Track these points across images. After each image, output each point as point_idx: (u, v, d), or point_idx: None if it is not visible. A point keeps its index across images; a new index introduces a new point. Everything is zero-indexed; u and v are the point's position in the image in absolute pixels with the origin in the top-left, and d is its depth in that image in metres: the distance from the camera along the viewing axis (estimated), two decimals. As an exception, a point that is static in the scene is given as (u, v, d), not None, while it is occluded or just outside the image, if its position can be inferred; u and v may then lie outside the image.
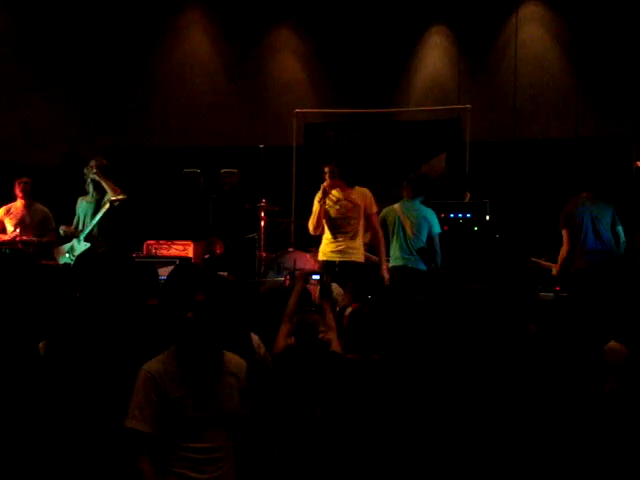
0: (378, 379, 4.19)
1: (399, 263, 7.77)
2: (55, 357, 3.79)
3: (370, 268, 7.83)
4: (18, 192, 8.29)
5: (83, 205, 8.15)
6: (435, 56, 13.23)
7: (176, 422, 3.25)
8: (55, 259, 8.24)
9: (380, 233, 7.56)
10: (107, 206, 7.83)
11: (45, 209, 8.48)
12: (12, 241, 8.04)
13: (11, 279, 4.37)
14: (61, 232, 8.09)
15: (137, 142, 13.33)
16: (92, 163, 8.07)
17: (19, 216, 8.28)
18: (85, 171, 8.06)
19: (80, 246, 7.80)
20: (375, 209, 7.52)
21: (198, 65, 13.77)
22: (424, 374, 4.17)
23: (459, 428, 3.99)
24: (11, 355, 3.80)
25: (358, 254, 7.41)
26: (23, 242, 8.04)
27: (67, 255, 7.95)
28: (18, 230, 8.16)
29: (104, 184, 8.02)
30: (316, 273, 5.53)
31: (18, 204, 8.33)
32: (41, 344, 3.88)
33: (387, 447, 4.02)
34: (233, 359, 3.50)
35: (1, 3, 11.66)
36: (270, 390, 4.20)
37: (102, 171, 7.98)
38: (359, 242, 7.42)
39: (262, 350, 4.56)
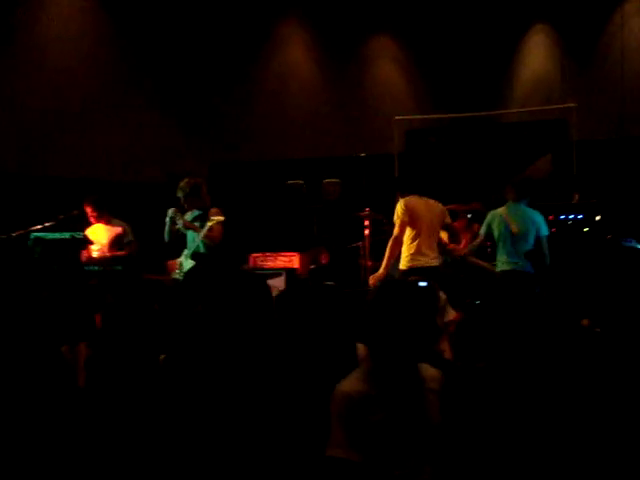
0: (485, 387, 4.11)
1: (507, 267, 7.62)
2: (175, 370, 3.84)
3: (479, 273, 7.72)
4: (88, 211, 8.40)
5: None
6: (538, 55, 13.01)
7: (377, 448, 2.91)
8: (168, 273, 8.37)
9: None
10: (208, 225, 7.84)
11: (122, 224, 8.60)
12: (87, 262, 8.16)
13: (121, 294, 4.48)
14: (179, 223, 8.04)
15: (240, 156, 13.52)
16: (182, 185, 7.98)
17: (98, 233, 8.45)
18: (178, 194, 8.04)
19: (187, 263, 7.90)
20: None
21: (297, 76, 13.88)
22: (532, 382, 4.07)
23: (570, 438, 3.87)
24: (129, 367, 3.87)
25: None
26: (98, 260, 8.13)
27: (177, 271, 8.07)
28: (97, 249, 8.28)
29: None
30: (423, 280, 5.47)
31: (95, 225, 8.47)
32: (161, 357, 3.94)
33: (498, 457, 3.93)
34: (429, 372, 3.15)
35: (109, 26, 12.01)
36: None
37: (193, 193, 7.92)
38: None
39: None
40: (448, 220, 7.60)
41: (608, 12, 12.41)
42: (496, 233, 7.65)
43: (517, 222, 7.56)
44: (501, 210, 7.73)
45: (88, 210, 8.31)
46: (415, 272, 7.09)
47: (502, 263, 7.64)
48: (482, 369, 4.19)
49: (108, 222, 8.40)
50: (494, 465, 3.73)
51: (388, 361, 2.97)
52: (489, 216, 7.82)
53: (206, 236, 7.61)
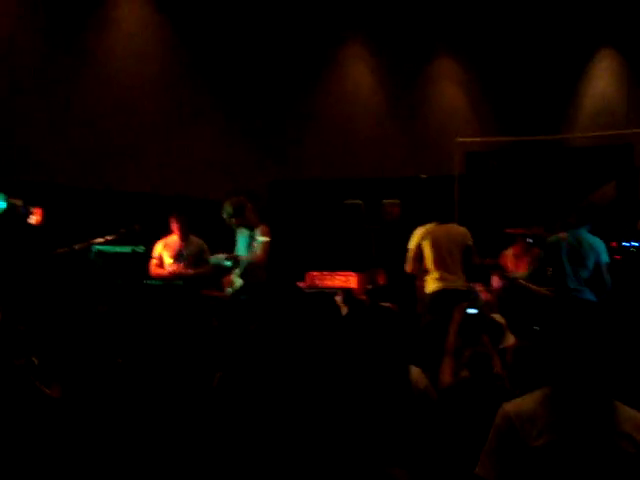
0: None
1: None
2: (229, 388, 3.84)
3: (538, 300, 7.61)
4: (175, 227, 8.46)
5: (239, 239, 8.24)
6: (604, 80, 12.87)
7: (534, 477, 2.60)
8: (223, 289, 8.42)
9: None
10: (254, 246, 7.88)
11: (200, 241, 8.66)
12: (170, 276, 8.23)
13: (180, 310, 4.51)
14: (222, 258, 8.15)
15: (300, 174, 13.58)
16: (226, 206, 8.03)
17: (176, 249, 8.47)
18: (223, 215, 8.10)
19: (238, 280, 7.95)
20: None
21: (359, 96, 13.92)
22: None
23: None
24: (184, 384, 3.89)
25: None
26: (181, 276, 8.18)
27: (229, 288, 8.12)
28: (175, 265, 8.34)
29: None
30: (473, 307, 5.41)
31: (175, 237, 8.51)
32: (217, 375, 3.95)
33: None
34: (630, 416, 2.68)
35: (176, 43, 12.19)
36: (435, 426, 4.09)
37: (237, 213, 7.97)
38: None
39: (422, 384, 4.41)
40: (469, 243, 7.76)
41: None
42: (556, 259, 7.54)
43: (577, 248, 7.44)
44: (562, 235, 7.63)
45: (176, 226, 8.39)
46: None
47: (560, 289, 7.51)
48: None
49: (187, 239, 8.47)
50: None
51: (580, 394, 2.66)
52: (549, 240, 7.72)
53: (252, 257, 7.70)
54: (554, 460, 2.55)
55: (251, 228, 7.97)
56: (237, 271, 7.86)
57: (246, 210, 7.97)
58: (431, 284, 7.72)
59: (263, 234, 7.89)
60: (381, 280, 9.92)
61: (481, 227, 8.32)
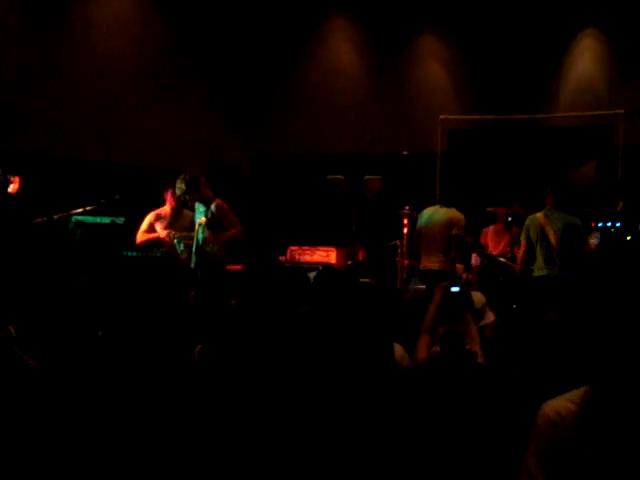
0: (521, 390, 4.05)
1: (543, 273, 7.55)
2: (210, 362, 3.83)
3: (514, 277, 7.67)
4: (170, 199, 8.43)
5: (196, 214, 8.16)
6: (586, 60, 12.86)
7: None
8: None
9: None
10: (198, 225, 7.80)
11: (192, 214, 8.63)
12: (167, 238, 8.19)
13: (159, 282, 4.48)
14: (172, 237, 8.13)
15: (281, 149, 13.54)
16: (180, 185, 7.91)
17: (169, 221, 8.46)
18: (177, 192, 7.99)
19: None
20: None
21: (343, 71, 13.86)
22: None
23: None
24: (165, 357, 3.87)
25: None
26: (178, 237, 8.10)
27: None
28: (167, 231, 8.31)
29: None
30: (456, 285, 5.42)
31: (167, 209, 8.49)
32: (197, 348, 3.94)
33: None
34: None
35: (157, 14, 12.08)
36: (412, 402, 4.11)
37: (192, 188, 7.87)
38: None
39: (406, 362, 4.45)
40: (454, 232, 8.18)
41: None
42: (534, 238, 7.58)
43: (555, 228, 7.48)
44: (539, 215, 7.65)
45: (171, 198, 8.33)
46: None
47: (539, 269, 7.57)
48: (519, 373, 4.14)
49: (180, 212, 8.43)
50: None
51: (620, 394, 2.50)
52: (527, 221, 7.76)
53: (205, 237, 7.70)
54: (596, 462, 2.46)
55: (207, 203, 7.88)
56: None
57: (200, 185, 7.86)
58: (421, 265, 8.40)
59: (219, 207, 7.81)
60: (361, 256, 9.93)
61: (462, 205, 8.34)
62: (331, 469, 3.36)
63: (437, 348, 4.38)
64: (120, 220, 8.24)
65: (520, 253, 7.78)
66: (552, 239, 7.43)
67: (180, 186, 7.85)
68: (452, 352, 4.25)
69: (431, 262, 8.23)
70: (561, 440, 2.48)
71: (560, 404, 2.56)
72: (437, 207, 8.49)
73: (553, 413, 2.54)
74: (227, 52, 13.13)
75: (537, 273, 7.59)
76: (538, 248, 7.55)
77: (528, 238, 7.62)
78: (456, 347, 4.27)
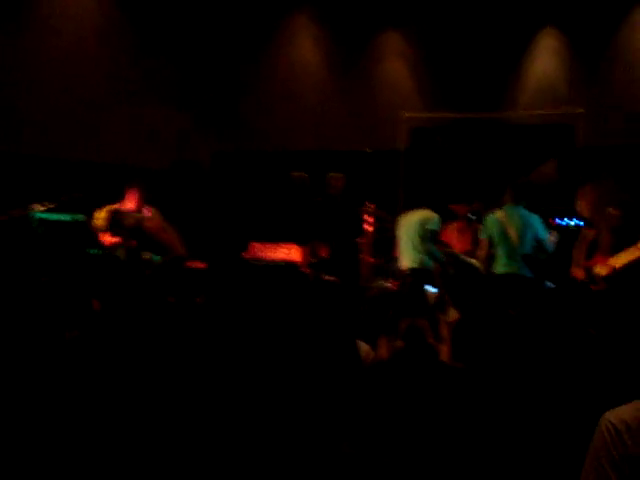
0: (483, 388, 4.09)
1: (503, 270, 7.60)
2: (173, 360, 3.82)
3: (478, 275, 7.72)
4: (131, 197, 8.32)
5: None
6: (546, 58, 12.98)
7: None
8: None
9: None
10: None
11: (154, 210, 8.54)
12: (117, 245, 8.09)
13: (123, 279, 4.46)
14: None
15: (244, 146, 13.50)
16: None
17: (128, 217, 8.34)
18: None
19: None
20: None
21: (306, 69, 13.85)
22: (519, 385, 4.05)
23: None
24: (124, 356, 3.85)
25: None
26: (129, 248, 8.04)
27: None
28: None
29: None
30: (433, 286, 5.48)
31: (127, 206, 8.37)
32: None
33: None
34: None
35: (120, 9, 11.99)
36: (376, 398, 4.13)
37: None
38: None
39: (371, 359, 4.48)
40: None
41: (618, 19, 12.37)
42: (494, 236, 7.63)
43: (514, 225, 7.53)
44: (499, 213, 7.71)
45: (134, 196, 8.25)
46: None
47: (500, 266, 7.62)
48: (482, 370, 4.17)
49: (141, 210, 8.33)
50: (494, 462, 3.71)
51: None
52: (487, 219, 7.81)
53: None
54: None
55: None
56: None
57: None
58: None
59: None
60: (324, 253, 9.92)
61: (425, 202, 8.39)
62: (298, 465, 3.37)
63: (399, 343, 4.41)
64: (80, 217, 8.16)
65: (481, 252, 7.83)
66: (512, 237, 7.49)
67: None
68: (414, 346, 4.29)
69: (409, 260, 8.31)
70: (619, 445, 2.36)
71: (624, 412, 2.41)
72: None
73: (618, 421, 2.39)
74: (191, 49, 13.07)
75: (499, 271, 7.65)
76: (499, 246, 7.61)
77: (488, 236, 7.68)
78: (418, 340, 4.30)
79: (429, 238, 8.22)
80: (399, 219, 8.64)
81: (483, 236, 7.80)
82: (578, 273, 6.63)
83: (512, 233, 7.50)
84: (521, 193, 7.70)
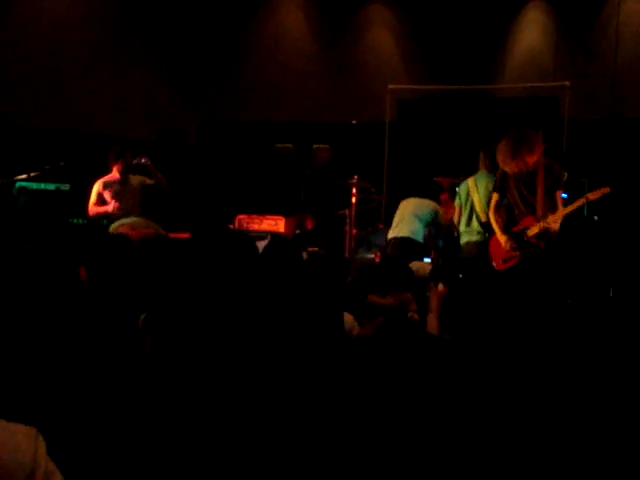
0: (472, 360, 4.11)
1: (464, 239, 7.53)
2: (155, 331, 3.80)
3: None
4: (116, 166, 8.30)
5: None
6: (533, 31, 12.95)
7: None
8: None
9: None
10: None
11: (141, 178, 8.50)
12: (113, 212, 8.09)
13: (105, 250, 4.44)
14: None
15: (230, 116, 13.45)
16: None
17: (117, 187, 8.33)
18: None
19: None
20: None
21: (291, 39, 13.77)
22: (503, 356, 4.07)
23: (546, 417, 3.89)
24: (106, 326, 3.83)
25: None
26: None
27: None
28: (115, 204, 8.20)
29: None
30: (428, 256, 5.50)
31: (114, 176, 8.36)
32: (142, 317, 3.91)
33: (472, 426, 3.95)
34: None
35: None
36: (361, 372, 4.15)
37: None
38: None
39: (355, 331, 4.48)
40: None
41: (606, -9, 12.39)
42: (462, 202, 7.55)
43: (480, 193, 7.40)
44: (470, 179, 7.62)
45: (118, 165, 8.22)
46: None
47: (465, 234, 7.53)
48: (472, 342, 4.19)
49: (127, 179, 8.31)
50: (471, 436, 3.74)
51: None
52: (461, 185, 7.73)
53: None
54: None
55: None
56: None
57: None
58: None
59: None
60: (309, 225, 9.94)
61: (411, 175, 8.39)
62: (278, 439, 3.38)
63: (380, 318, 4.43)
64: (65, 187, 8.12)
65: (455, 218, 7.75)
66: (476, 204, 7.40)
67: None
68: (393, 321, 4.31)
69: (401, 231, 8.20)
70: None
71: None
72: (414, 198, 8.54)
73: None
74: (176, 18, 12.96)
75: (465, 239, 7.56)
76: (463, 213, 7.53)
77: (460, 204, 7.61)
78: (397, 315, 4.33)
79: (434, 230, 8.19)
80: (405, 201, 8.55)
81: (456, 203, 7.75)
82: (502, 238, 6.44)
83: (476, 201, 7.41)
84: (493, 161, 7.57)
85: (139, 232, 7.50)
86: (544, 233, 6.15)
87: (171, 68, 12.97)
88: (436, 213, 8.19)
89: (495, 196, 6.56)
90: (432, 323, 4.42)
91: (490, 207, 6.62)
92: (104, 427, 3.25)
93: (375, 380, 4.16)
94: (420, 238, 8.07)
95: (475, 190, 7.44)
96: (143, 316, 3.94)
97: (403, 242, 7.98)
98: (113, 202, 8.19)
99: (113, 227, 7.50)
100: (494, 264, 6.47)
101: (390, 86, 11.44)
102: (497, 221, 6.48)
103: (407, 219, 8.16)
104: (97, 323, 3.86)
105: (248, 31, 13.79)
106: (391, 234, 8.29)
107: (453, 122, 11.90)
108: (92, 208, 8.23)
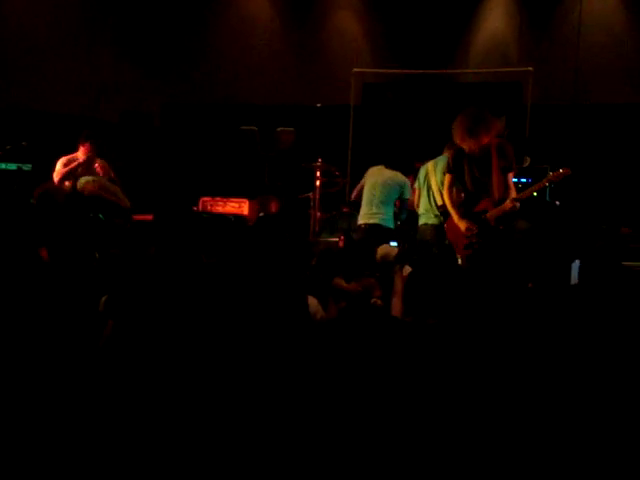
0: (434, 343, 4.14)
1: (421, 221, 7.55)
2: (115, 312, 3.79)
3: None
4: (84, 150, 8.18)
5: None
6: (496, 16, 12.99)
7: None
8: None
9: None
10: None
11: (103, 163, 8.43)
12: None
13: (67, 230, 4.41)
14: None
15: (194, 98, 13.36)
16: None
17: (80, 169, 8.22)
18: None
19: None
20: None
21: (256, 21, 13.69)
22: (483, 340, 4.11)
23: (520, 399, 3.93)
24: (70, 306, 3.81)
25: None
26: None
27: None
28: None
29: None
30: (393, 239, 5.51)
31: (79, 158, 8.25)
32: (103, 299, 3.89)
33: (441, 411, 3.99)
34: None
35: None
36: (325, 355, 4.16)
37: None
38: None
39: (319, 315, 4.48)
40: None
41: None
42: (421, 185, 7.56)
43: (437, 177, 7.42)
44: (430, 162, 7.64)
45: (86, 149, 8.11)
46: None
47: (423, 216, 7.55)
48: (433, 326, 4.22)
49: (92, 164, 8.20)
50: (447, 419, 3.78)
51: None
52: (421, 169, 7.75)
53: None
54: None
55: None
56: None
57: None
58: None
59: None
60: (273, 208, 9.93)
61: (375, 158, 8.38)
62: (243, 422, 3.39)
63: (343, 303, 4.45)
64: (27, 167, 8.03)
65: (415, 200, 7.77)
66: (433, 186, 7.43)
67: None
68: (356, 306, 4.33)
69: (371, 217, 8.08)
70: None
71: None
72: (382, 167, 8.22)
73: None
74: (140, 2, 12.83)
75: (420, 221, 7.58)
76: (423, 195, 7.54)
77: (419, 186, 7.63)
78: (360, 301, 4.35)
79: (402, 205, 8.12)
80: (370, 171, 8.25)
81: (415, 185, 7.79)
82: (461, 224, 6.40)
83: (433, 184, 7.44)
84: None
85: (96, 191, 7.45)
86: (503, 216, 6.16)
87: (135, 50, 12.84)
88: (402, 187, 8.10)
89: (448, 177, 6.51)
90: (396, 306, 4.45)
91: (444, 188, 6.58)
92: (62, 407, 3.25)
93: (337, 362, 4.18)
94: (390, 224, 8.05)
95: (433, 173, 7.47)
96: (104, 298, 3.92)
97: (372, 229, 7.93)
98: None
99: (82, 180, 7.46)
100: (455, 250, 6.47)
101: (355, 69, 11.44)
102: (453, 204, 6.45)
103: (376, 203, 8.04)
104: (57, 304, 3.84)
105: (212, 13, 13.68)
106: (361, 219, 8.14)
107: (417, 106, 11.92)
108: (58, 171, 8.10)
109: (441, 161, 7.45)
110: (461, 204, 6.34)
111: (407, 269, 5.52)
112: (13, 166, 7.94)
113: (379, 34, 13.30)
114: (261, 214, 9.76)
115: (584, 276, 4.40)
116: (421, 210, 7.54)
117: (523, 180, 8.33)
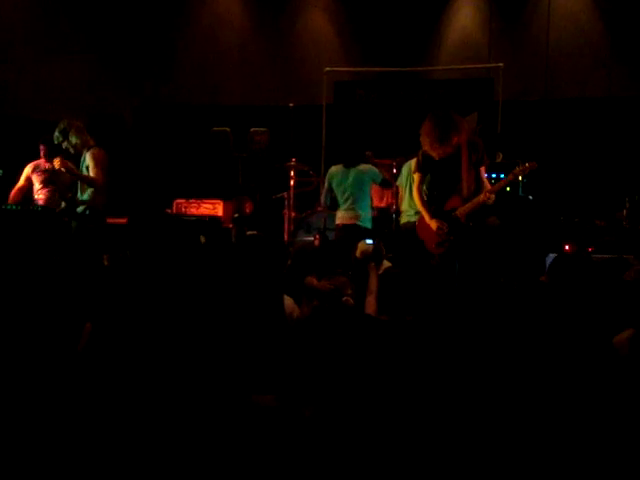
0: (411, 340, 4.15)
1: (403, 219, 7.55)
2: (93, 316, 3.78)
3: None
4: (41, 152, 8.12)
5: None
6: (466, 13, 13.06)
7: None
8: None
9: None
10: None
11: (69, 164, 8.33)
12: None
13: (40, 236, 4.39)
14: None
15: (166, 100, 13.32)
16: (55, 133, 7.67)
17: (47, 174, 8.16)
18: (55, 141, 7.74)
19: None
20: None
21: (228, 21, 13.67)
22: (459, 336, 4.13)
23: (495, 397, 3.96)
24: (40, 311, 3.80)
25: None
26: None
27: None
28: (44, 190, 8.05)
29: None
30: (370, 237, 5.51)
31: (45, 161, 8.17)
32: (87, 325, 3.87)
33: (416, 409, 4.00)
34: None
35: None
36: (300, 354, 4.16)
37: (63, 137, 7.68)
38: None
39: (295, 314, 4.48)
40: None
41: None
42: (404, 183, 7.57)
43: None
44: (412, 160, 7.64)
45: (42, 151, 8.03)
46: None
47: (405, 214, 7.55)
48: (409, 323, 4.23)
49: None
50: (423, 414, 3.79)
51: None
52: (403, 166, 7.76)
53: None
54: None
55: (79, 151, 7.65)
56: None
57: (72, 130, 7.64)
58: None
59: (92, 154, 7.57)
60: (248, 209, 9.92)
61: (348, 156, 8.37)
62: (223, 420, 3.39)
63: (315, 302, 4.46)
64: (-1, 172, 7.98)
65: (399, 199, 7.76)
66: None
67: (56, 134, 7.63)
68: (327, 305, 4.34)
69: (350, 218, 8.10)
70: None
71: None
72: (341, 166, 8.23)
73: None
74: (112, 3, 12.76)
75: (406, 219, 7.57)
76: (405, 192, 7.54)
77: (401, 183, 7.64)
78: (331, 300, 4.36)
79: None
80: (335, 171, 8.27)
81: (397, 182, 7.80)
82: (432, 223, 6.40)
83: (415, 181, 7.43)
84: None
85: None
86: (474, 212, 6.16)
87: (106, 52, 12.77)
88: (370, 176, 8.14)
89: (418, 176, 6.49)
90: (370, 304, 4.46)
91: (414, 188, 6.56)
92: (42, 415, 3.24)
93: (310, 360, 4.19)
94: (368, 224, 8.08)
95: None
96: (88, 326, 3.91)
97: (350, 229, 7.95)
98: (42, 188, 8.03)
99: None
100: (427, 248, 6.46)
101: (326, 68, 11.45)
102: (424, 203, 6.43)
103: (351, 204, 8.03)
104: (35, 310, 3.82)
105: (183, 14, 13.65)
106: (338, 220, 8.15)
107: (389, 104, 11.94)
108: (13, 192, 8.06)
109: None
110: (431, 203, 6.33)
111: (385, 265, 5.55)
112: (-15, 172, 7.87)
113: (350, 33, 13.33)
114: (235, 215, 9.75)
115: (553, 270, 4.43)
116: (404, 207, 7.54)
117: (494, 175, 8.37)
